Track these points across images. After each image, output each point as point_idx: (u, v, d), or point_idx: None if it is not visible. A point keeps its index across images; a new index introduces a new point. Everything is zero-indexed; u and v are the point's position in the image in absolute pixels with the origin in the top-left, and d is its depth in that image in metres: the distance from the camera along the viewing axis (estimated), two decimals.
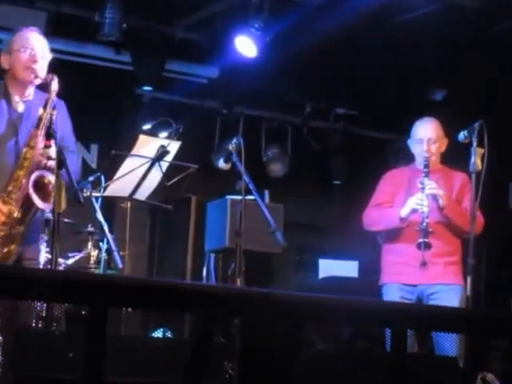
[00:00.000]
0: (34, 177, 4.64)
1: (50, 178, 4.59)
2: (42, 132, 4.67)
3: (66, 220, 6.16)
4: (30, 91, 4.86)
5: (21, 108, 4.82)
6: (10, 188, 4.68)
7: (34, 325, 4.72)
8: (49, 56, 4.90)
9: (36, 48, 4.84)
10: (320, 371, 3.53)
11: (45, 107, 4.71)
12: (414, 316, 3.39)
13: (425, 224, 5.54)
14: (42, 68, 4.80)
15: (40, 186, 4.64)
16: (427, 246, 5.52)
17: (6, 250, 4.66)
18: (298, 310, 3.09)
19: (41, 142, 4.65)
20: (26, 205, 4.67)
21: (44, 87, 4.83)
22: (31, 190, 4.61)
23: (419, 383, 3.45)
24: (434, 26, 7.66)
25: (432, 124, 5.89)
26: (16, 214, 4.67)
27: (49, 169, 4.63)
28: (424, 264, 5.59)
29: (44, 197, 4.62)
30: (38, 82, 4.81)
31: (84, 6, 7.85)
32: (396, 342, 3.28)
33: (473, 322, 3.41)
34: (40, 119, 4.69)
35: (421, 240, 5.53)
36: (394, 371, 3.17)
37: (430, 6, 7.47)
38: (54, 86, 4.75)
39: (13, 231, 4.67)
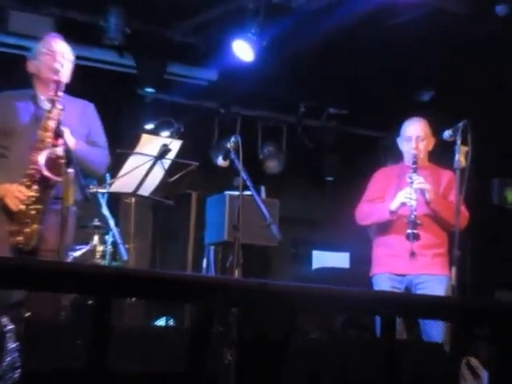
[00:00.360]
0: (44, 155, 4.70)
1: (58, 152, 4.66)
2: (53, 115, 4.75)
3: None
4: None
5: (47, 106, 4.89)
6: (29, 171, 4.75)
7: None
8: (70, 58, 5.04)
9: (58, 51, 4.99)
10: (313, 358, 3.54)
11: (55, 90, 4.80)
12: (403, 305, 3.40)
13: (413, 216, 5.55)
14: (63, 68, 4.91)
15: (51, 164, 4.69)
16: (416, 236, 5.53)
17: (28, 230, 4.72)
18: (293, 299, 3.10)
19: (53, 124, 4.74)
20: (43, 184, 4.73)
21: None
22: (44, 169, 4.67)
23: (407, 368, 3.46)
24: (423, 30, 7.66)
25: (420, 123, 5.91)
26: (35, 194, 4.74)
27: (54, 145, 4.71)
28: (413, 254, 5.61)
29: (56, 172, 4.66)
30: (61, 79, 4.89)
31: (89, 12, 7.85)
32: (386, 330, 3.29)
33: (457, 310, 3.42)
34: (52, 101, 4.78)
35: (409, 231, 5.54)
36: (384, 357, 3.18)
37: (419, 11, 7.47)
38: (63, 70, 4.89)
39: (33, 211, 4.73)
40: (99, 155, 5.12)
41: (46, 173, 4.69)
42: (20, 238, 4.72)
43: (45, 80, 4.97)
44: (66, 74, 4.93)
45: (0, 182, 4.82)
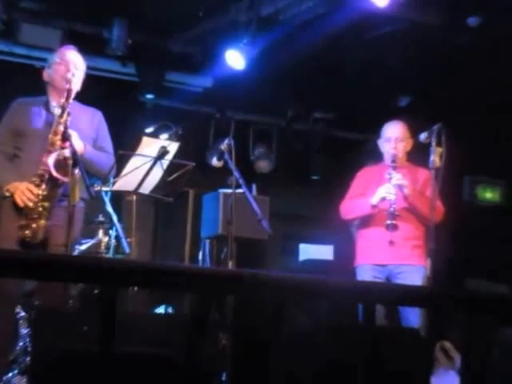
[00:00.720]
0: (53, 157, 4.71)
1: (66, 154, 4.68)
2: (63, 120, 4.78)
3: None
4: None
5: (57, 112, 4.92)
6: (40, 171, 4.76)
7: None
8: (82, 68, 5.06)
9: (71, 61, 5.02)
10: (300, 341, 3.56)
11: (66, 98, 4.81)
12: (382, 293, 3.41)
13: (392, 208, 5.58)
14: (75, 77, 4.93)
15: (59, 165, 4.70)
16: (394, 227, 5.56)
17: (35, 225, 4.74)
18: (282, 288, 3.11)
19: (61, 128, 4.76)
20: (51, 183, 4.75)
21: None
22: (53, 169, 4.68)
23: (387, 351, 3.48)
24: (401, 41, 7.69)
25: (399, 125, 5.93)
26: (43, 192, 4.73)
27: (62, 147, 4.73)
28: (392, 243, 5.63)
29: (64, 172, 4.68)
30: (72, 88, 4.90)
31: (94, 25, 7.85)
32: (366, 316, 3.30)
33: (432, 298, 3.44)
34: (62, 108, 4.80)
35: (389, 222, 5.56)
36: (365, 341, 3.20)
37: (396, 24, 7.50)
38: (74, 80, 4.91)
39: (40, 208, 4.73)
40: (106, 159, 5.13)
41: (55, 173, 4.70)
42: (27, 232, 4.74)
43: (58, 88, 4.99)
44: (77, 82, 4.93)
45: (12, 179, 4.84)
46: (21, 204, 4.75)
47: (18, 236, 4.73)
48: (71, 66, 4.98)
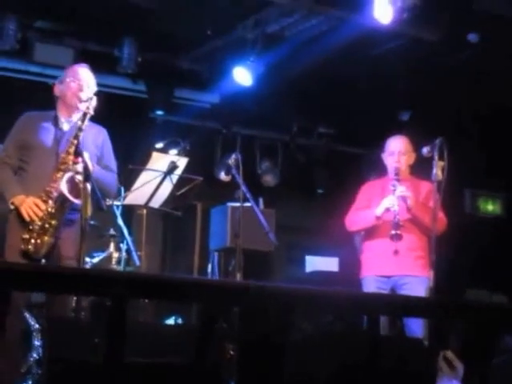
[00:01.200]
0: (66, 177, 4.69)
1: (80, 178, 4.64)
2: (77, 141, 4.73)
3: (92, 222, 6.18)
4: (76, 116, 4.92)
5: (66, 127, 4.92)
6: (48, 188, 4.73)
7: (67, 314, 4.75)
8: (94, 88, 5.00)
9: (83, 79, 4.98)
10: (306, 350, 3.55)
11: (83, 120, 4.78)
12: (386, 304, 3.40)
13: (396, 219, 5.57)
14: (93, 101, 4.86)
15: (72, 186, 4.68)
16: (399, 237, 5.53)
17: (39, 240, 4.68)
18: (289, 299, 3.11)
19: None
20: (60, 201, 4.71)
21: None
22: (64, 188, 4.66)
23: (391, 361, 3.47)
24: (402, 57, 7.70)
25: (402, 140, 5.92)
26: (50, 209, 4.71)
27: (75, 162, 4.69)
28: (396, 252, 5.61)
29: (75, 194, 4.66)
30: (83, 106, 4.86)
31: (105, 43, 7.89)
32: (371, 326, 3.29)
33: (435, 308, 3.43)
34: (78, 129, 4.76)
35: (393, 232, 5.55)
36: (369, 351, 3.19)
37: (396, 41, 7.51)
38: (92, 103, 4.82)
39: (46, 224, 4.70)
40: (112, 179, 5.07)
41: (68, 195, 4.67)
42: (30, 247, 4.67)
43: (68, 104, 4.96)
44: (93, 105, 4.85)
45: (17, 193, 4.79)
46: (27, 218, 4.70)
47: (21, 249, 4.68)
48: (84, 85, 4.95)
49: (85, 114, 4.78)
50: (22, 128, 4.97)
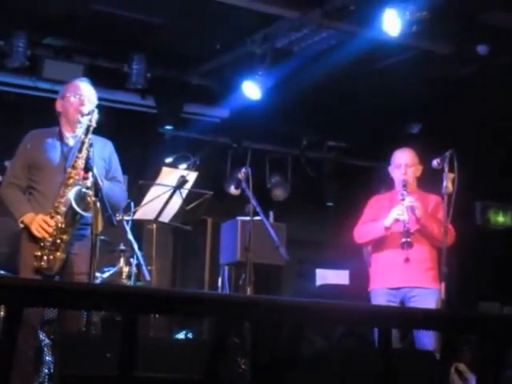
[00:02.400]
0: (74, 190, 4.69)
1: (88, 191, 4.65)
2: (82, 155, 4.75)
3: (102, 237, 6.19)
4: (80, 130, 4.93)
5: (71, 142, 4.93)
6: (56, 204, 4.75)
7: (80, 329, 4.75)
8: (95, 101, 5.02)
9: (84, 94, 4.99)
10: (317, 364, 3.55)
11: (86, 133, 4.79)
12: (397, 317, 3.40)
13: (406, 227, 5.56)
14: (95, 113, 4.87)
15: (80, 198, 4.68)
16: (409, 244, 5.53)
17: (51, 256, 4.69)
18: (299, 313, 3.11)
19: (82, 163, 4.73)
20: (70, 215, 4.72)
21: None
22: (73, 201, 4.67)
23: (402, 374, 3.46)
24: (410, 70, 7.71)
25: (408, 152, 5.92)
26: (60, 225, 4.72)
27: (84, 177, 4.69)
28: (407, 260, 5.60)
29: (84, 207, 4.66)
30: (85, 120, 4.86)
31: (114, 59, 7.94)
32: (382, 339, 3.29)
33: (446, 321, 3.42)
34: (82, 143, 4.77)
35: (404, 240, 5.54)
36: (381, 365, 3.18)
37: (406, 54, 7.53)
38: (95, 116, 4.83)
39: (58, 240, 4.72)
40: (120, 190, 5.07)
41: (76, 207, 4.68)
42: (43, 264, 4.68)
43: (70, 120, 4.96)
44: (95, 117, 4.91)
45: (27, 212, 4.79)
46: (38, 235, 4.72)
47: (34, 266, 4.69)
48: (85, 99, 4.96)
49: (88, 127, 4.81)
50: (28, 147, 4.97)
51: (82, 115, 4.88)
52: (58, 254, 4.71)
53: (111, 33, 7.39)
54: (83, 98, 4.97)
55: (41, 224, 4.71)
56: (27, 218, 4.78)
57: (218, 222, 8.09)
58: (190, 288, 8.68)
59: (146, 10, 7.05)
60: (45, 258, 4.69)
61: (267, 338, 3.10)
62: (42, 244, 4.72)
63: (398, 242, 5.56)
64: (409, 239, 5.52)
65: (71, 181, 4.75)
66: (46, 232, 4.70)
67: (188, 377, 3.52)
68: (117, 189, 5.02)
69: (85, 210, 4.65)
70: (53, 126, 5.09)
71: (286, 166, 9.85)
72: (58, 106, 5.06)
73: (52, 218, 4.72)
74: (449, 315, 3.70)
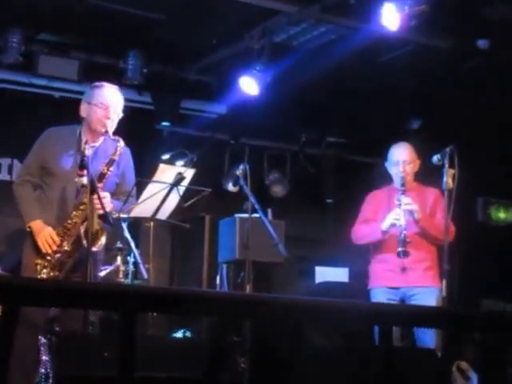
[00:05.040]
0: (84, 227, 4.64)
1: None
2: (102, 185, 4.69)
3: None
4: (100, 139, 4.89)
5: (88, 152, 4.73)
6: (66, 224, 4.73)
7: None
8: (121, 113, 4.92)
9: (111, 105, 4.87)
10: (319, 364, 3.55)
11: (107, 165, 4.73)
12: (398, 315, 3.41)
13: (402, 235, 5.56)
14: (112, 122, 4.84)
15: (94, 234, 4.62)
16: (405, 254, 5.54)
17: (52, 274, 4.71)
18: (299, 311, 3.11)
19: (100, 191, 4.60)
20: (77, 243, 4.70)
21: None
22: (82, 232, 4.63)
23: (404, 373, 3.47)
24: (411, 64, 7.71)
25: (405, 147, 5.92)
26: (66, 247, 4.71)
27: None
28: (404, 269, 5.61)
29: (93, 243, 4.59)
30: (106, 134, 4.82)
31: (110, 55, 7.92)
32: (383, 337, 3.30)
33: (448, 319, 3.43)
34: (102, 174, 4.71)
35: (400, 249, 5.54)
36: (382, 362, 3.19)
37: (405, 48, 7.52)
38: (119, 148, 4.78)
39: (60, 261, 4.71)
40: (129, 205, 5.06)
41: (85, 242, 4.61)
42: (43, 276, 4.67)
43: (92, 129, 4.88)
44: (113, 125, 4.81)
45: (35, 215, 4.78)
46: (42, 249, 4.72)
47: (35, 270, 4.70)
48: (111, 111, 4.85)
49: (110, 160, 4.73)
50: (44, 147, 4.90)
51: (106, 128, 4.77)
52: (57, 273, 4.72)
53: (107, 28, 7.38)
54: (109, 109, 4.85)
55: (48, 240, 4.69)
56: (35, 224, 4.76)
57: (216, 219, 8.09)
58: (188, 286, 8.67)
59: (143, 5, 7.04)
60: (45, 270, 4.70)
61: (267, 336, 3.10)
62: (43, 253, 4.71)
63: (397, 247, 5.56)
64: (405, 249, 5.52)
65: (84, 206, 4.66)
66: (51, 248, 4.69)
67: (187, 376, 3.53)
68: (127, 207, 4.98)
69: (92, 245, 4.60)
70: (72, 124, 4.99)
71: (285, 162, 9.85)
72: (82, 110, 4.93)
73: (59, 235, 4.71)
74: (451, 313, 3.70)
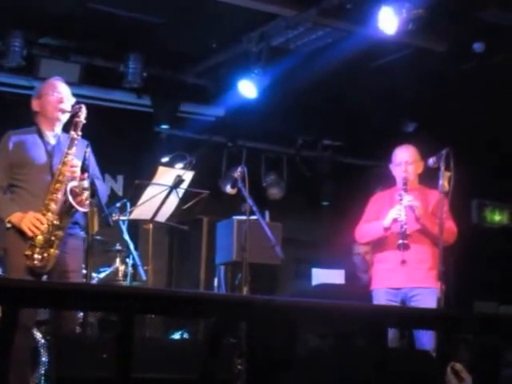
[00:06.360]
0: (70, 186, 4.67)
1: (84, 185, 4.65)
2: (72, 151, 4.75)
3: (99, 237, 6.18)
4: (59, 128, 4.93)
5: (53, 141, 4.89)
6: (46, 201, 4.70)
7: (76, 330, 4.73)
8: (72, 99, 4.98)
9: (62, 92, 4.96)
10: (313, 363, 3.55)
11: (75, 129, 4.80)
12: (393, 317, 3.41)
13: (403, 228, 5.57)
14: (66, 107, 4.91)
15: (75, 194, 4.66)
16: (406, 246, 5.54)
17: (45, 254, 4.63)
18: (295, 313, 3.11)
19: (72, 159, 4.73)
20: (63, 212, 4.68)
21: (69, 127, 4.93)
22: (69, 197, 4.63)
23: (399, 373, 3.47)
24: (406, 68, 7.71)
25: (408, 149, 5.92)
26: (55, 222, 4.69)
27: (81, 179, 4.68)
28: (404, 262, 5.61)
29: (79, 202, 4.64)
30: (65, 117, 4.89)
31: (110, 59, 7.93)
32: (378, 339, 3.30)
33: (442, 320, 3.43)
34: (72, 140, 4.78)
35: (400, 241, 5.55)
36: (376, 364, 3.19)
37: (402, 52, 7.52)
38: (83, 112, 4.84)
39: (52, 237, 4.67)
40: (103, 188, 5.06)
41: (72, 202, 4.65)
42: (36, 262, 4.60)
43: (49, 118, 4.92)
44: (83, 114, 4.84)
45: (13, 211, 4.72)
46: (29, 234, 4.64)
47: (26, 265, 4.61)
48: (63, 97, 4.94)
49: (76, 124, 4.80)
50: (9, 148, 4.89)
51: (63, 112, 4.87)
52: (52, 250, 4.63)
53: (107, 32, 7.39)
54: (61, 95, 4.94)
55: (33, 222, 4.62)
56: (15, 217, 4.69)
57: (213, 221, 8.07)
58: (185, 288, 8.67)
59: (142, 9, 7.05)
60: (37, 256, 4.62)
61: (263, 338, 3.10)
62: (32, 242, 4.66)
63: (397, 242, 5.57)
64: (405, 241, 5.53)
65: (61, 177, 4.71)
66: (39, 230, 4.65)
67: (184, 377, 3.52)
68: (101, 186, 4.98)
69: (80, 206, 4.63)
70: (27, 127, 5.01)
71: (282, 164, 9.85)
72: (35, 105, 5.00)
73: (44, 215, 4.67)
74: (445, 314, 3.70)
